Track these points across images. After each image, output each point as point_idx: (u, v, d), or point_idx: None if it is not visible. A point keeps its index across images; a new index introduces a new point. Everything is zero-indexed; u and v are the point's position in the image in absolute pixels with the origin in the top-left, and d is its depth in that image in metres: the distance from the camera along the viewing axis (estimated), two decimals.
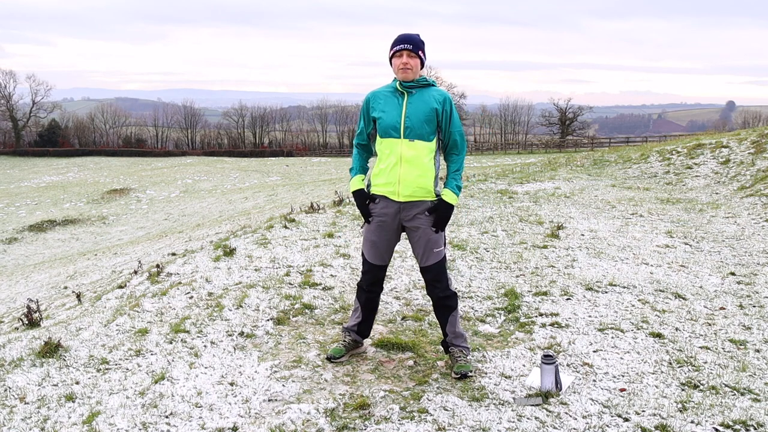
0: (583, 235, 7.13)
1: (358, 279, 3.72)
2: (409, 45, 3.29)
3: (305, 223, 7.81)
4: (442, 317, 3.57)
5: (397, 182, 3.34)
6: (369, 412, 3.00)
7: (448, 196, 3.38)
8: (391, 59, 3.36)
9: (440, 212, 3.38)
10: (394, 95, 3.38)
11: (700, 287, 5.19)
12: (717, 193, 10.31)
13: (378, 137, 3.43)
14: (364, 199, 3.49)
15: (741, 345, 3.94)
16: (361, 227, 3.65)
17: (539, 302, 4.71)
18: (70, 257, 17.28)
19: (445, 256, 3.49)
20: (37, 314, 5.01)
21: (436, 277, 3.47)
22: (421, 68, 3.37)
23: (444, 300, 3.51)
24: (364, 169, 3.56)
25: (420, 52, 3.32)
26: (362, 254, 3.62)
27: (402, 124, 3.31)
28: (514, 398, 3.18)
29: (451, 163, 3.46)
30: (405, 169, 3.32)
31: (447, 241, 4.02)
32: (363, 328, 3.72)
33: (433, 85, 3.41)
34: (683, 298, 4.86)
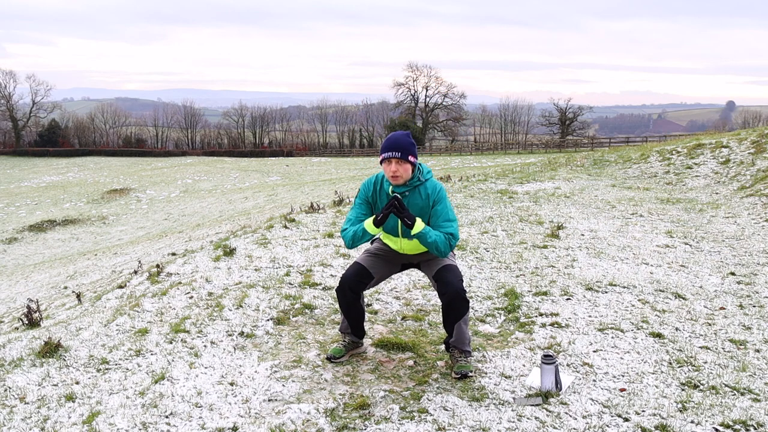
0: (583, 235, 7.13)
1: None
2: (398, 153, 3.28)
3: (305, 223, 7.81)
4: (450, 321, 3.43)
5: (400, 249, 3.58)
6: (369, 412, 3.00)
7: (418, 222, 3.29)
8: (381, 162, 3.36)
9: (402, 208, 3.28)
10: (389, 199, 3.37)
11: (700, 287, 5.19)
12: (717, 193, 10.31)
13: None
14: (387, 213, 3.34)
15: (741, 345, 3.94)
16: None
17: (539, 302, 4.71)
18: (70, 257, 17.28)
19: (456, 265, 3.51)
20: (37, 314, 5.01)
21: (450, 276, 3.39)
22: (413, 170, 3.36)
23: (456, 302, 3.35)
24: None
25: (410, 157, 3.30)
26: (354, 261, 3.62)
27: (399, 229, 3.46)
28: (514, 398, 3.18)
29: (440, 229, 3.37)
30: (407, 249, 3.54)
31: None
32: (356, 331, 3.71)
33: (426, 181, 3.41)
34: (683, 298, 4.86)
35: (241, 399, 3.19)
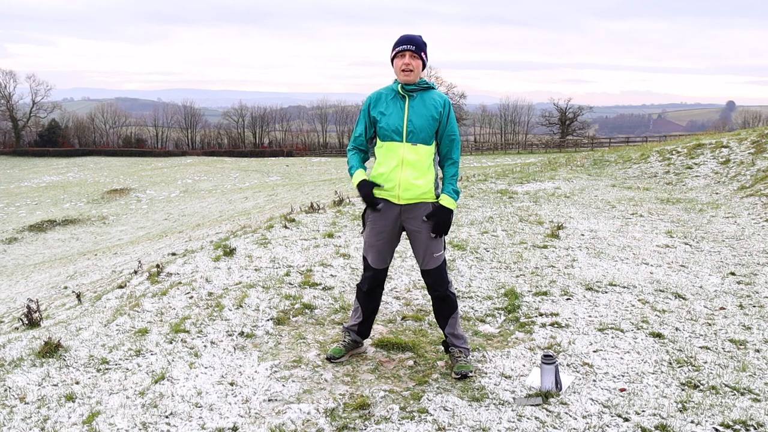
0: (583, 235, 7.13)
1: (358, 279, 3.71)
2: (412, 46, 3.29)
3: (305, 223, 7.81)
4: (441, 318, 3.58)
5: (398, 186, 3.34)
6: (369, 412, 3.00)
7: (445, 200, 3.35)
8: (392, 60, 3.35)
9: (439, 217, 3.35)
10: (396, 98, 3.37)
11: (700, 287, 5.19)
12: (717, 193, 10.31)
13: (378, 141, 3.42)
14: (370, 186, 3.39)
15: (741, 345, 3.94)
16: (361, 232, 3.65)
17: (539, 302, 4.71)
18: (70, 257, 17.28)
19: (444, 260, 3.51)
20: (37, 314, 5.01)
21: (435, 280, 3.49)
22: (423, 70, 3.36)
23: (443, 301, 3.52)
24: (363, 166, 3.53)
25: (422, 54, 3.32)
26: (364, 258, 3.61)
27: (405, 128, 3.30)
28: (514, 398, 3.18)
29: (446, 167, 3.42)
30: (406, 172, 3.32)
31: (447, 242, 4.02)
32: (363, 328, 3.72)
33: (433, 88, 3.41)
34: (683, 298, 4.86)
35: (241, 399, 3.19)
